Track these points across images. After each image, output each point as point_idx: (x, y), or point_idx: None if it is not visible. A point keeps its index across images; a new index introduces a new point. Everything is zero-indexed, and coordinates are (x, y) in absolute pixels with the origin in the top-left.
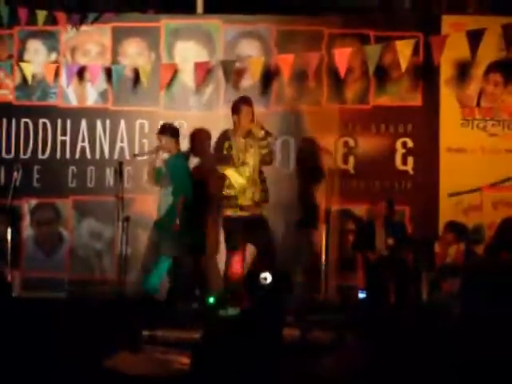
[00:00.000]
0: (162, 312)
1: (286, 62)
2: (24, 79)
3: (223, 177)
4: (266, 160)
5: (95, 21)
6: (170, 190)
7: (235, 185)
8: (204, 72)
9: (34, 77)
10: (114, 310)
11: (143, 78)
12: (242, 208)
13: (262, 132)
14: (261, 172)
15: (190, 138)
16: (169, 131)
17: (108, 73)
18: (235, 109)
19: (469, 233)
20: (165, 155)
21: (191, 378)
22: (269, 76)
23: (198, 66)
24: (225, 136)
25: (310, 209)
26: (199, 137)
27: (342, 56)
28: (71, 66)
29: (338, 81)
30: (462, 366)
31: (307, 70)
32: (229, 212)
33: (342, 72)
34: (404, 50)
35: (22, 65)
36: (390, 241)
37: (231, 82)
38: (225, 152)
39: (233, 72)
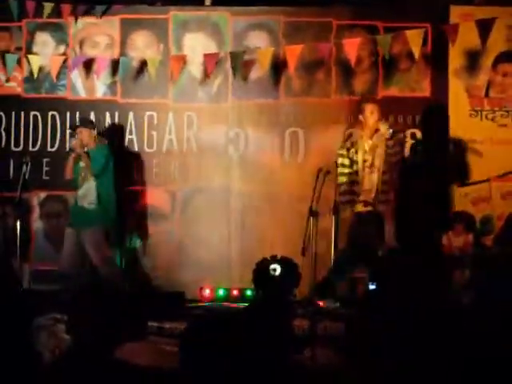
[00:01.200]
0: (170, 304)
1: (293, 53)
2: (32, 72)
3: None
4: (392, 160)
5: (104, 13)
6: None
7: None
8: (213, 63)
9: (42, 69)
10: (122, 301)
11: (152, 70)
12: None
13: (390, 131)
14: (384, 173)
15: None
16: (85, 123)
17: (115, 65)
18: (359, 108)
19: (477, 224)
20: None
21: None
22: (277, 67)
23: (207, 57)
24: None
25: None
26: None
27: (352, 46)
28: (77, 57)
29: (347, 72)
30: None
31: (319, 60)
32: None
33: (353, 61)
34: (415, 40)
35: (30, 57)
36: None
37: (240, 73)
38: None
39: (242, 63)
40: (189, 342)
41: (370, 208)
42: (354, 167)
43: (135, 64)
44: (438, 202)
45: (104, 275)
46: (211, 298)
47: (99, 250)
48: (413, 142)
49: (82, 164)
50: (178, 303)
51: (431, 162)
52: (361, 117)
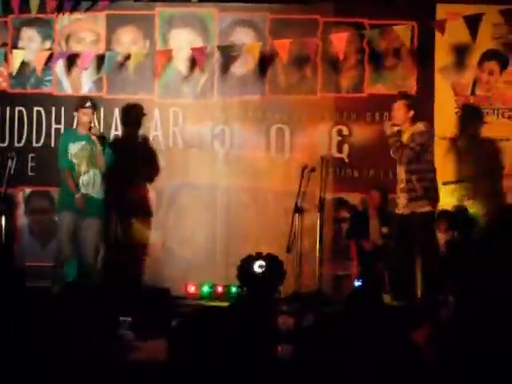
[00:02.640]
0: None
1: (283, 47)
2: (18, 67)
3: None
4: (397, 159)
5: (88, 9)
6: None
7: None
8: (203, 57)
9: (27, 65)
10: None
11: (133, 64)
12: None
13: (395, 128)
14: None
15: None
16: (91, 104)
17: (101, 60)
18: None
19: (463, 221)
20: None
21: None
22: (263, 64)
23: (195, 51)
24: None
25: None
26: None
27: (340, 40)
28: (62, 52)
29: (333, 69)
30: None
31: (305, 57)
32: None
33: (341, 55)
34: (404, 33)
35: (14, 52)
36: (384, 230)
37: (228, 68)
38: None
39: (230, 58)
40: (177, 339)
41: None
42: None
43: (120, 59)
44: None
45: (89, 266)
46: (196, 294)
47: (96, 241)
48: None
49: (88, 148)
50: (163, 300)
51: None
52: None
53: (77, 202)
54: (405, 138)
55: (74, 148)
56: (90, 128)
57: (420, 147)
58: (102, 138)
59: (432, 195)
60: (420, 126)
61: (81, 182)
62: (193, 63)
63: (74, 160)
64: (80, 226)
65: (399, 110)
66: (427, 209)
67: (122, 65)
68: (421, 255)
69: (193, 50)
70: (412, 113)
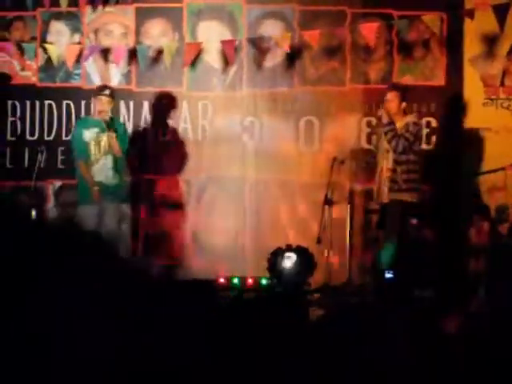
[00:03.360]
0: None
1: (313, 38)
2: (47, 61)
3: None
4: (391, 147)
5: (117, 2)
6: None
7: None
8: (232, 49)
9: (55, 59)
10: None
11: (168, 57)
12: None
13: (387, 118)
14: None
15: None
16: (105, 91)
17: (132, 53)
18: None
19: (492, 213)
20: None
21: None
22: (292, 55)
23: (225, 44)
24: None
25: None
26: None
27: (370, 30)
28: (93, 46)
29: (362, 60)
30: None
31: (334, 48)
32: None
33: (372, 44)
34: (433, 23)
35: (47, 46)
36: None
37: (260, 59)
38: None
39: (260, 50)
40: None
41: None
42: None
43: (152, 52)
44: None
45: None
46: (226, 286)
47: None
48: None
49: (102, 134)
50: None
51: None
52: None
53: (93, 196)
54: (398, 128)
55: (88, 134)
56: (104, 115)
57: (414, 137)
58: (115, 124)
59: (415, 187)
60: (412, 117)
61: (94, 169)
62: (222, 56)
63: (88, 147)
64: (101, 217)
65: (392, 101)
66: (407, 198)
67: (153, 58)
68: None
69: (222, 42)
70: (404, 104)
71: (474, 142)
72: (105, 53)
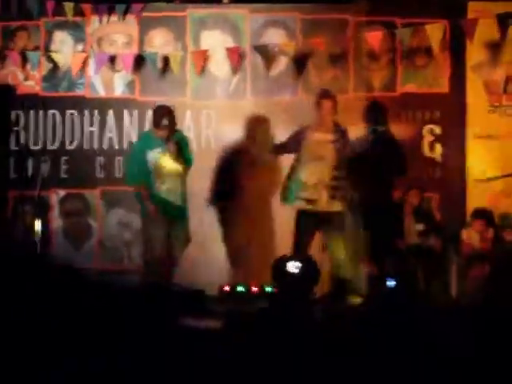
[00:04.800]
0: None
1: (318, 45)
2: (51, 70)
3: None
4: (340, 155)
5: (125, 14)
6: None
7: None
8: (237, 57)
9: (61, 68)
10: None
11: (174, 66)
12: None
13: (333, 126)
14: (336, 168)
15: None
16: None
17: (138, 62)
18: (315, 103)
19: (497, 219)
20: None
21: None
22: (296, 64)
23: (229, 51)
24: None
25: None
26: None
27: (375, 38)
28: (101, 54)
29: (365, 68)
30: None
31: (337, 56)
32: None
33: (377, 51)
34: (434, 34)
35: (53, 54)
36: (419, 227)
37: (266, 67)
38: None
39: (267, 57)
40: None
41: (311, 207)
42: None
43: (158, 61)
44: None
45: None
46: (230, 294)
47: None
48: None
49: (167, 154)
50: (199, 301)
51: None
52: (317, 112)
53: (151, 215)
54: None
55: (151, 155)
56: (164, 133)
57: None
58: (181, 143)
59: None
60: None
61: (162, 191)
62: (226, 64)
63: (151, 168)
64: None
65: (327, 109)
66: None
67: (158, 67)
68: None
69: (227, 50)
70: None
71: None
72: (111, 61)
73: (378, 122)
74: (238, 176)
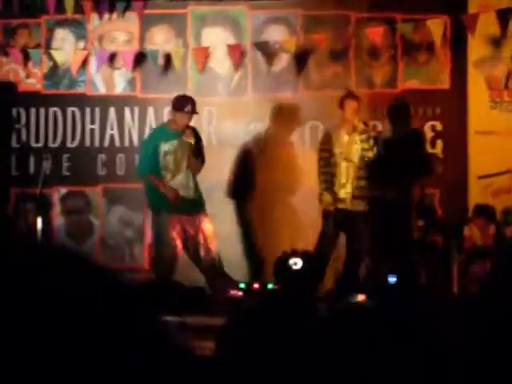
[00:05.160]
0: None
1: (320, 41)
2: (52, 68)
3: None
4: (367, 155)
5: (124, 11)
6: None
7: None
8: (238, 54)
9: (62, 65)
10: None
11: (176, 62)
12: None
13: (361, 125)
14: (360, 168)
15: None
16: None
17: (139, 59)
18: (340, 103)
19: (498, 215)
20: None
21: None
22: (297, 60)
23: (230, 48)
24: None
25: None
26: None
27: (377, 34)
28: (102, 52)
29: (367, 65)
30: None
31: (339, 52)
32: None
33: (379, 46)
34: (436, 29)
35: (53, 52)
36: (421, 223)
37: (268, 63)
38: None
39: (269, 53)
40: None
41: (344, 205)
42: (332, 160)
43: (159, 57)
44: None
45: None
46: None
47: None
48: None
49: (181, 148)
50: (198, 298)
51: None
52: (341, 112)
53: (168, 196)
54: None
55: (165, 147)
56: (185, 129)
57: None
58: (196, 138)
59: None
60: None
61: (172, 185)
62: (227, 61)
63: (163, 160)
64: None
65: (352, 109)
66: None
67: (159, 64)
68: None
69: (228, 46)
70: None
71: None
72: (112, 58)
73: (403, 122)
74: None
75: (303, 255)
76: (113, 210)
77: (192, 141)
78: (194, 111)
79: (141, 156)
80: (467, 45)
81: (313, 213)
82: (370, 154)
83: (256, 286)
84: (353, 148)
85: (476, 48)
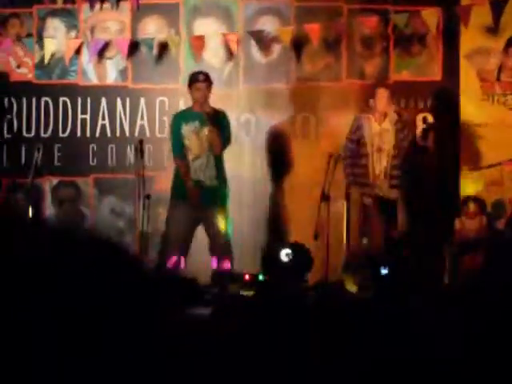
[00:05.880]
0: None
1: (313, 31)
2: (43, 57)
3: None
4: (402, 145)
5: (118, 1)
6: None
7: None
8: (235, 41)
9: (53, 55)
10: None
11: (173, 49)
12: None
13: (395, 115)
14: (394, 157)
15: None
16: (205, 77)
17: (132, 47)
18: (371, 92)
19: (489, 208)
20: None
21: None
22: (291, 50)
23: (226, 36)
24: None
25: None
26: None
27: (369, 22)
28: (95, 40)
29: (358, 56)
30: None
31: (331, 42)
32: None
33: (372, 34)
34: (429, 19)
35: (45, 41)
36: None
37: (264, 52)
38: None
39: (262, 43)
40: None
41: (379, 193)
42: (362, 150)
43: (154, 46)
44: (447, 187)
45: None
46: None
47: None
48: (424, 126)
49: (202, 129)
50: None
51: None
52: (371, 101)
53: (189, 194)
54: (387, 127)
55: (186, 129)
56: (205, 106)
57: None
58: (218, 117)
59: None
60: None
61: (193, 167)
62: (219, 52)
63: (186, 142)
64: (197, 220)
65: (383, 98)
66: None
67: (153, 53)
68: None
69: (224, 35)
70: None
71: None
72: (104, 48)
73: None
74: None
75: (293, 247)
76: (104, 200)
77: (213, 126)
78: (205, 81)
79: (170, 138)
80: (459, 37)
81: (303, 205)
82: (405, 144)
83: (247, 277)
84: (385, 137)
85: (468, 40)
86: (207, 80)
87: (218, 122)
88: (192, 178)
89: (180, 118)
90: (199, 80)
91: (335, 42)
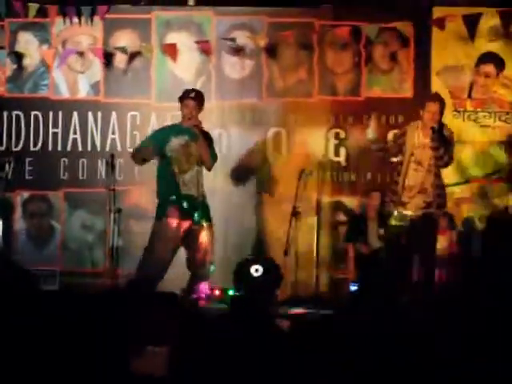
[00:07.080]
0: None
1: (288, 37)
2: (15, 71)
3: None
4: (439, 164)
5: (92, 16)
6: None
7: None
8: (209, 46)
9: (25, 68)
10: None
11: (146, 55)
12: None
13: (431, 131)
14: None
15: None
16: (194, 94)
17: (108, 58)
18: (421, 105)
19: (459, 225)
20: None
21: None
22: (261, 66)
23: (200, 43)
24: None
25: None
26: None
27: (342, 32)
28: (67, 49)
29: (330, 72)
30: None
31: (303, 57)
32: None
33: (346, 41)
34: (404, 29)
35: (17, 53)
36: (382, 231)
37: (237, 58)
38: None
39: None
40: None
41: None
42: (400, 157)
43: (120, 62)
44: None
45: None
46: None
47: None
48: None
49: (191, 144)
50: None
51: None
52: (421, 112)
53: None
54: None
55: (175, 142)
56: (194, 121)
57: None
58: (207, 134)
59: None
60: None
61: (182, 181)
62: (191, 67)
63: (172, 154)
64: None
65: (431, 112)
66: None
67: (121, 69)
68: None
69: (197, 42)
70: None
71: None
72: (78, 58)
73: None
74: None
75: (264, 262)
76: (74, 214)
77: (203, 141)
78: (195, 99)
79: (146, 140)
80: (431, 54)
81: (273, 219)
82: (440, 163)
83: (217, 292)
84: (424, 152)
85: (439, 57)
86: (197, 98)
87: (208, 137)
88: (182, 191)
89: (170, 130)
90: (188, 96)
91: (307, 58)
